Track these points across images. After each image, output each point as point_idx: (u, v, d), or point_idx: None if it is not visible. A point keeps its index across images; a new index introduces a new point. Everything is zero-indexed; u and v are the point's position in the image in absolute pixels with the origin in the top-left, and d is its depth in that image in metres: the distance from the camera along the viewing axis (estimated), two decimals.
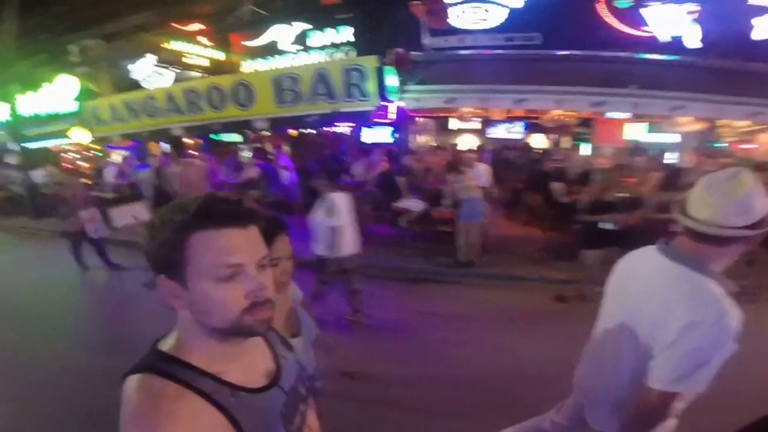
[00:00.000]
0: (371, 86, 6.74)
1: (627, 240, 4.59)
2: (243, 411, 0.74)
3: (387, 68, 6.33)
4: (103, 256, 6.13)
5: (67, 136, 11.92)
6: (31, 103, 12.43)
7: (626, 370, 1.42)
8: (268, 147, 12.15)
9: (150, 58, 10.41)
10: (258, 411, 0.77)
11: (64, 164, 14.61)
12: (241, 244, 0.73)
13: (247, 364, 0.82)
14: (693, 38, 7.30)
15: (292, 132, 12.58)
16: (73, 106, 11.77)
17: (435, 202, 6.44)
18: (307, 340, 1.57)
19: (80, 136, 11.61)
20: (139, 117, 9.95)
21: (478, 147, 15.71)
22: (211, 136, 11.65)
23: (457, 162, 6.22)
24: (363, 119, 7.56)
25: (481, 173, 6.72)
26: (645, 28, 7.39)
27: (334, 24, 8.19)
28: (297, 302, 1.64)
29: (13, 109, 11.55)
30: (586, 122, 9.43)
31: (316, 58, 8.56)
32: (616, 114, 7.38)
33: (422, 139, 11.07)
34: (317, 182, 3.96)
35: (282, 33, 8.82)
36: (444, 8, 6.78)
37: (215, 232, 0.71)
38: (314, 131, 10.64)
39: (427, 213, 6.50)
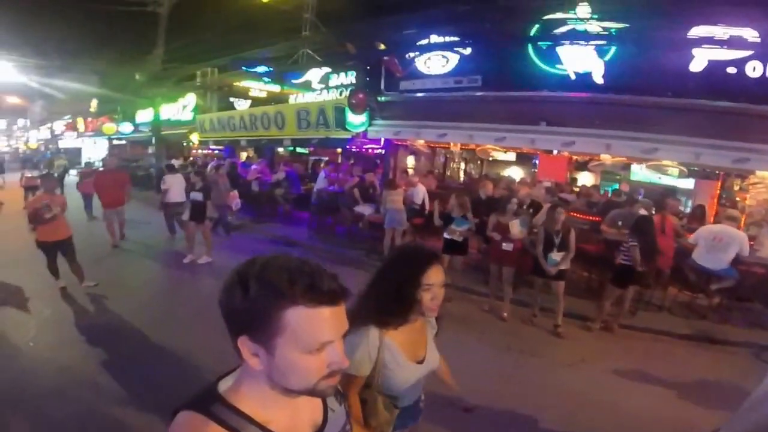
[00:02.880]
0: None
1: (460, 249, 6.28)
2: None
3: (346, 108, 8.77)
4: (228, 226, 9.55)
5: (188, 138, 16.82)
6: (167, 111, 17.54)
7: None
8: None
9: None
10: None
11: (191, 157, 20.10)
12: (334, 322, 0.77)
13: (295, 415, 0.85)
14: (598, 74, 7.70)
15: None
16: (190, 116, 16.55)
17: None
18: (429, 368, 1.64)
19: (194, 138, 16.31)
20: (225, 130, 13.92)
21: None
22: (289, 148, 15.24)
23: (392, 181, 8.33)
24: (348, 143, 10.13)
25: (417, 192, 8.69)
26: (559, 66, 7.94)
27: (345, 69, 10.85)
28: (432, 330, 1.72)
29: (155, 114, 16.69)
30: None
31: (333, 95, 11.32)
32: (546, 148, 8.39)
33: (420, 163, 12.64)
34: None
35: (314, 74, 11.80)
36: (395, 62, 8.89)
37: (314, 310, 0.74)
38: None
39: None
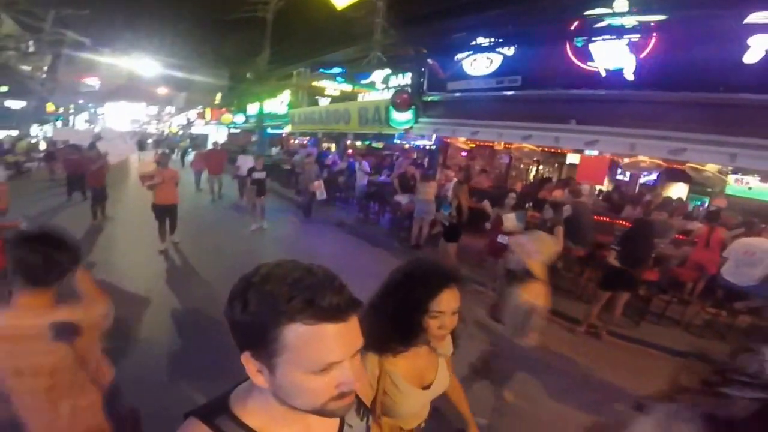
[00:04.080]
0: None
1: (451, 236, 7.07)
2: None
3: (390, 107, 9.94)
4: (309, 210, 10.76)
5: (280, 129, 19.63)
6: (269, 105, 20.44)
7: None
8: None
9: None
10: None
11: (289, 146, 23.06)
12: (340, 340, 0.70)
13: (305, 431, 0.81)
14: (630, 71, 7.50)
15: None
16: (284, 110, 19.19)
17: None
18: (436, 393, 1.52)
19: (287, 129, 18.98)
20: (307, 123, 16.12)
21: None
22: (366, 141, 16.97)
23: (427, 174, 9.36)
24: (396, 137, 11.37)
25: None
26: (591, 64, 7.90)
27: (402, 71, 12.01)
28: (443, 356, 1.56)
29: (260, 108, 19.66)
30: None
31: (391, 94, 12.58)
32: (570, 147, 8.53)
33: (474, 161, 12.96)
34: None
35: (377, 75, 13.16)
36: (435, 65, 9.71)
37: (314, 328, 0.67)
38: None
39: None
